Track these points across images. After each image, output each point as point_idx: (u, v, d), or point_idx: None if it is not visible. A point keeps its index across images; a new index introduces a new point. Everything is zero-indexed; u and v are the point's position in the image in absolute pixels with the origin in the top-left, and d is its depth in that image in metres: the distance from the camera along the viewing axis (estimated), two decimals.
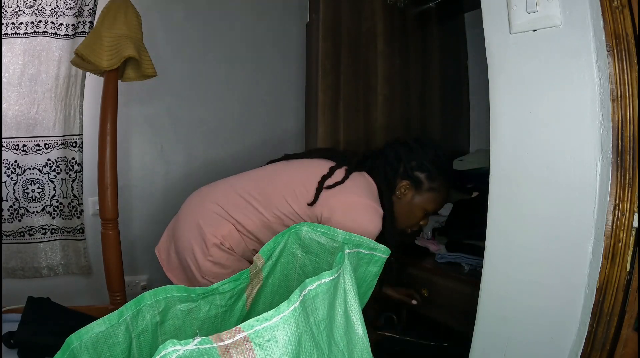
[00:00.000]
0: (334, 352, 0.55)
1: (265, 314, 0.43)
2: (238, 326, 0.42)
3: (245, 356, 0.41)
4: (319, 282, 0.51)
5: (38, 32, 1.70)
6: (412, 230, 1.19)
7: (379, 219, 1.05)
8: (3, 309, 1.16)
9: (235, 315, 0.81)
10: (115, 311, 0.60)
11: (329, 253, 0.84)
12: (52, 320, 1.08)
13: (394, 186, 1.14)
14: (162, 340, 0.67)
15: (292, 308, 0.45)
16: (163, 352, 0.39)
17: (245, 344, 0.41)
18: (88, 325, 0.57)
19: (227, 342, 0.41)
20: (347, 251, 0.63)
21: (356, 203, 1.05)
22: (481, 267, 0.87)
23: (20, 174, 1.74)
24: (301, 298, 0.47)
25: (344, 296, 0.60)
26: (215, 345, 0.41)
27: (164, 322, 0.68)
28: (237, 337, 0.41)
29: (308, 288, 0.50)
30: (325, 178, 1.08)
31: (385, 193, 1.12)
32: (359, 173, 1.14)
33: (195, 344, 0.40)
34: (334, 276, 0.55)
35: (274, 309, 0.43)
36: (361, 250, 0.77)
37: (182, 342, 0.40)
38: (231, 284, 0.77)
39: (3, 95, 1.65)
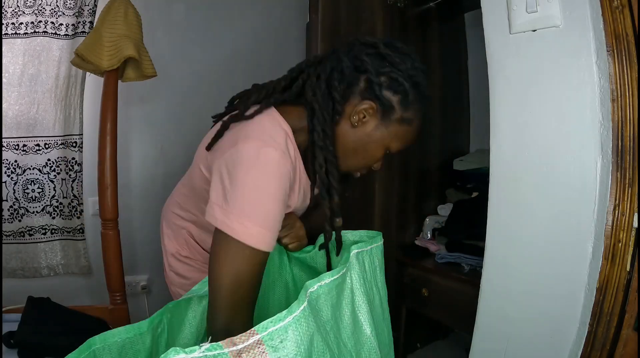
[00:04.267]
0: (343, 352, 0.55)
1: (278, 315, 0.42)
2: (252, 329, 0.40)
3: None
4: (319, 284, 0.51)
5: (38, 32, 1.70)
6: (360, 171, 0.84)
7: (270, 169, 0.67)
8: (3, 309, 1.16)
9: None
10: (147, 319, 0.62)
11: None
12: (52, 320, 1.08)
13: (341, 107, 0.76)
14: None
15: (302, 307, 0.44)
16: None
17: (258, 347, 0.40)
18: (117, 329, 0.58)
19: (240, 346, 0.39)
20: (355, 250, 0.63)
21: (242, 148, 0.68)
22: (481, 267, 0.87)
23: (20, 174, 1.74)
24: (307, 297, 0.46)
25: (351, 296, 0.59)
26: (226, 350, 0.39)
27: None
28: (251, 340, 0.40)
29: (310, 290, 0.49)
30: (230, 116, 0.77)
31: (320, 115, 0.75)
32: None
33: (203, 351, 0.38)
34: (335, 277, 0.54)
35: (286, 310, 0.42)
36: (375, 242, 0.75)
37: (187, 349, 0.38)
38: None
39: (3, 95, 1.65)
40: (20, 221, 1.75)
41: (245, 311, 0.65)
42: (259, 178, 0.66)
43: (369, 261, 0.69)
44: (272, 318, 0.41)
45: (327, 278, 0.52)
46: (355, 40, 0.79)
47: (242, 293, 0.64)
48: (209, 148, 0.76)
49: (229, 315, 0.63)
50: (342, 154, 0.79)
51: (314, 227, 0.89)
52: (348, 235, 0.83)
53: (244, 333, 0.40)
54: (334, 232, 0.77)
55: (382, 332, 0.71)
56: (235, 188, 0.65)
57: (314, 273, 0.84)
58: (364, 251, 0.68)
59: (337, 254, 0.78)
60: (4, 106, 1.66)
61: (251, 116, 0.75)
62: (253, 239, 0.63)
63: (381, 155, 0.80)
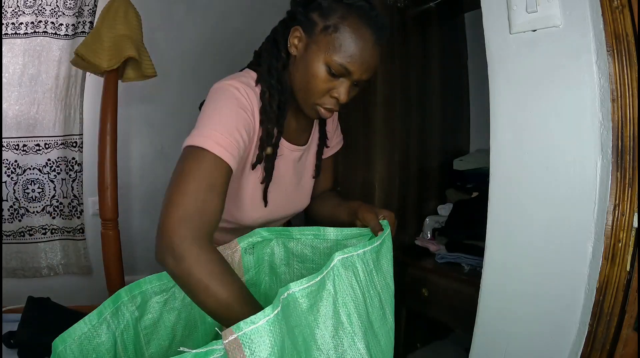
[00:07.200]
0: (315, 355, 0.56)
1: (252, 317, 0.45)
2: (230, 328, 0.44)
3: (237, 356, 0.44)
4: (289, 292, 0.52)
5: (38, 32, 1.70)
6: (322, 106, 0.80)
7: (227, 91, 0.75)
8: (3, 309, 1.16)
9: None
10: (94, 311, 0.61)
11: (324, 255, 0.83)
12: (52, 320, 1.08)
13: (284, 48, 0.82)
14: (143, 334, 0.68)
15: (275, 312, 0.47)
16: None
17: (237, 346, 0.44)
18: (70, 328, 0.57)
19: (224, 341, 0.44)
20: (339, 256, 0.60)
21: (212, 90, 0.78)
22: (481, 267, 0.87)
23: (20, 174, 1.74)
24: (281, 303, 0.49)
25: (333, 304, 0.58)
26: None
27: (142, 316, 0.68)
28: (230, 338, 0.44)
29: (282, 296, 0.51)
30: None
31: (267, 56, 0.82)
32: None
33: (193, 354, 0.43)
34: (308, 284, 0.54)
35: (261, 312, 0.46)
36: (370, 244, 0.71)
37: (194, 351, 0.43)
38: None
39: (3, 95, 1.65)
40: (20, 221, 1.75)
41: (191, 222, 0.60)
42: (218, 100, 0.74)
43: (362, 265, 0.66)
44: (246, 319, 0.45)
45: (296, 287, 0.53)
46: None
47: (188, 195, 0.63)
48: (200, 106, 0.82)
49: (171, 213, 0.60)
50: (297, 88, 0.80)
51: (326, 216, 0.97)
52: (347, 231, 0.82)
53: (224, 332, 0.44)
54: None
55: (381, 338, 0.69)
56: (201, 116, 0.73)
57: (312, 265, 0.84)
58: (354, 256, 0.64)
59: (262, 182, 0.84)
60: (4, 106, 1.66)
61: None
62: (204, 140, 0.67)
63: (323, 73, 0.76)
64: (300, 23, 0.78)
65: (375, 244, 0.70)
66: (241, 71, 0.85)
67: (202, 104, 0.79)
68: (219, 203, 0.66)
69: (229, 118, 0.71)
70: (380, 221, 0.81)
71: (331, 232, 0.82)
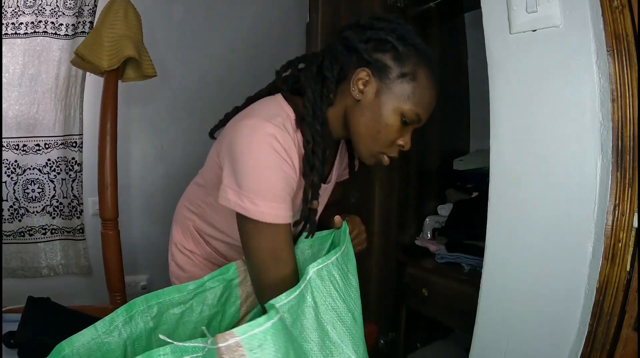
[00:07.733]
0: None
1: (258, 319, 0.44)
2: (231, 330, 0.43)
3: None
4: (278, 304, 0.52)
5: (38, 32, 1.70)
6: (387, 154, 0.76)
7: (267, 142, 0.66)
8: (3, 309, 1.16)
9: (226, 320, 0.79)
10: (106, 318, 0.60)
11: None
12: (52, 320, 1.08)
13: (333, 86, 0.74)
14: (157, 345, 0.67)
15: (278, 316, 0.46)
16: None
17: (238, 349, 0.42)
18: (79, 333, 0.57)
19: (221, 345, 0.42)
20: (315, 268, 0.60)
21: (241, 126, 0.68)
22: (481, 267, 0.87)
23: (20, 174, 1.74)
24: (279, 314, 0.49)
25: (315, 316, 0.58)
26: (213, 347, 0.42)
27: (157, 327, 0.68)
28: (230, 341, 0.42)
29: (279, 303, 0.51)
30: (236, 110, 0.79)
31: (311, 94, 0.73)
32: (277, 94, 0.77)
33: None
34: (287, 300, 0.53)
35: (264, 316, 0.45)
36: (340, 249, 0.68)
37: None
38: (219, 279, 0.76)
39: (3, 95, 1.65)
40: (20, 221, 1.75)
41: (288, 283, 0.65)
42: (258, 152, 0.66)
43: (338, 272, 0.64)
44: (251, 322, 0.43)
45: (276, 303, 0.52)
46: (343, 26, 0.77)
47: (279, 267, 0.68)
48: (211, 133, 0.79)
49: (274, 291, 0.62)
50: (361, 134, 0.74)
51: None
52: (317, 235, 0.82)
53: (222, 334, 0.42)
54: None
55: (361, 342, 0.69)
56: (240, 168, 0.66)
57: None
58: (329, 264, 0.63)
59: (307, 237, 0.80)
60: (4, 106, 1.66)
61: (256, 98, 0.77)
62: (268, 216, 0.65)
63: (397, 123, 0.72)
64: (367, 64, 0.71)
65: (344, 247, 0.69)
66: (270, 91, 0.79)
67: (212, 131, 0.78)
68: (282, 266, 0.69)
69: (276, 181, 0.67)
70: (344, 221, 0.78)
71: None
